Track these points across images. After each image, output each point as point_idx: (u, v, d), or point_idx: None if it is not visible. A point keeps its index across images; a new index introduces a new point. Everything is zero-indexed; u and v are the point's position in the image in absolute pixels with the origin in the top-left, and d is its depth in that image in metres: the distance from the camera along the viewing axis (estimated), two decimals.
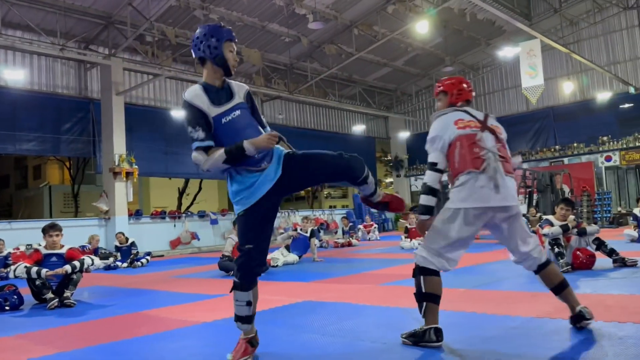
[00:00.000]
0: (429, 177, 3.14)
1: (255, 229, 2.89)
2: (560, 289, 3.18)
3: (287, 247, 9.13)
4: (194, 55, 2.99)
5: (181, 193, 28.72)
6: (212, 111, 2.87)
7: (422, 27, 14.23)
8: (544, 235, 6.08)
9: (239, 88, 3.07)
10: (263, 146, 2.76)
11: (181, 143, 16.27)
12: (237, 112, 2.93)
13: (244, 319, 2.93)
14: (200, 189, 28.88)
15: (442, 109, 3.31)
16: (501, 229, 3.14)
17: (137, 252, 10.78)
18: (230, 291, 2.94)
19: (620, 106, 17.76)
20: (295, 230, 9.51)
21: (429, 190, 3.13)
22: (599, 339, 2.93)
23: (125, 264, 10.35)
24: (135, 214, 14.45)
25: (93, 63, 14.06)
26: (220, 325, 4.05)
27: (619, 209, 16.67)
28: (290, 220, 17.61)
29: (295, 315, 4.26)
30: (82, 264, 5.76)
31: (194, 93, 2.90)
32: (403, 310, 4.15)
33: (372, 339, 3.29)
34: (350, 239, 13.64)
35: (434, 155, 3.16)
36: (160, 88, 16.05)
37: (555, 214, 6.22)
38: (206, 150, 2.84)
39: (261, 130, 3.02)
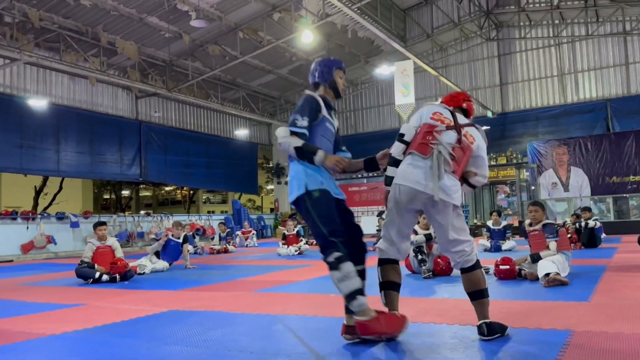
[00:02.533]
0: (395, 148, 3.29)
1: (330, 206, 3.10)
2: (474, 297, 3.15)
3: (157, 254, 8.62)
4: (310, 82, 3.47)
5: (38, 192, 26.14)
6: (325, 112, 3.28)
7: (306, 37, 14.47)
8: (410, 243, 6.41)
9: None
10: (329, 166, 3.11)
11: (40, 137, 14.75)
12: (333, 129, 3.36)
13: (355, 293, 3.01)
14: (61, 188, 26.57)
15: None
16: (433, 219, 3.21)
17: None
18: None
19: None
20: (167, 235, 9.00)
21: (392, 162, 3.28)
22: (455, 342, 3.10)
23: None
24: None
25: None
26: (69, 338, 3.64)
27: (475, 221, 18.35)
28: (163, 225, 16.78)
29: (158, 326, 3.98)
30: None
31: (317, 95, 3.32)
32: (275, 317, 4.07)
33: (240, 348, 3.15)
34: (227, 245, 13.33)
35: (404, 126, 3.33)
36: (18, 74, 14.40)
37: (419, 223, 6.60)
38: (295, 134, 3.13)
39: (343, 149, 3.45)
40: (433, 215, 3.17)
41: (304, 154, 3.07)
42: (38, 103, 14.15)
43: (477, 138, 3.37)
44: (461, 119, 3.38)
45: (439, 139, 3.18)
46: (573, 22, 18.37)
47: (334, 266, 2.96)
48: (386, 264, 3.24)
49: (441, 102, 3.53)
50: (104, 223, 7.58)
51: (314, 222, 3.07)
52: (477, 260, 3.20)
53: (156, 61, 16.81)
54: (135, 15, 14.13)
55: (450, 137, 3.22)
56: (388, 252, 3.25)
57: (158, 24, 14.71)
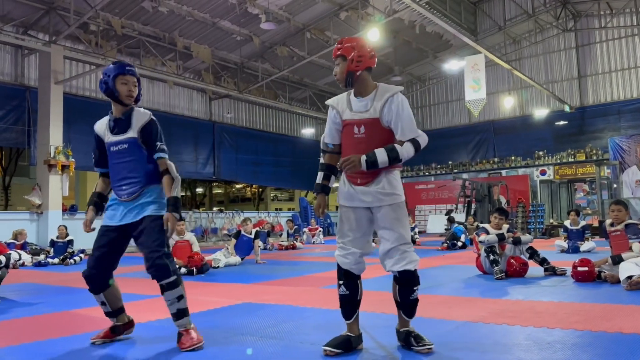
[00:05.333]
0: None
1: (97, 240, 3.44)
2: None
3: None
4: None
5: None
6: (108, 138, 3.28)
7: (373, 35, 14.44)
8: (481, 242, 6.27)
9: (138, 120, 3.25)
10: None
11: None
12: (125, 146, 3.23)
13: (106, 314, 3.47)
14: None
15: (369, 81, 3.09)
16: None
17: (73, 251, 10.29)
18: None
19: (556, 123, 18.73)
20: (239, 231, 9.34)
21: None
22: (529, 343, 3.04)
23: (56, 260, 9.86)
24: (70, 209, 13.79)
25: (31, 49, 13.36)
26: (153, 327, 3.92)
27: (551, 220, 17.53)
28: (234, 222, 17.38)
29: (233, 317, 4.17)
30: (7, 259, 5.43)
31: (100, 121, 3.36)
32: None
33: (311, 341, 3.25)
34: (295, 241, 13.60)
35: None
36: None
37: (491, 222, 6.44)
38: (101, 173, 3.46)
39: (145, 164, 3.24)
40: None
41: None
42: None
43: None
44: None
45: None
46: None
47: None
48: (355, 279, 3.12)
49: (345, 62, 3.07)
50: (182, 219, 7.97)
51: None
52: None
53: (228, 64, 17.41)
54: (208, 20, 14.72)
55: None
56: (350, 265, 3.11)
57: (230, 27, 15.23)
